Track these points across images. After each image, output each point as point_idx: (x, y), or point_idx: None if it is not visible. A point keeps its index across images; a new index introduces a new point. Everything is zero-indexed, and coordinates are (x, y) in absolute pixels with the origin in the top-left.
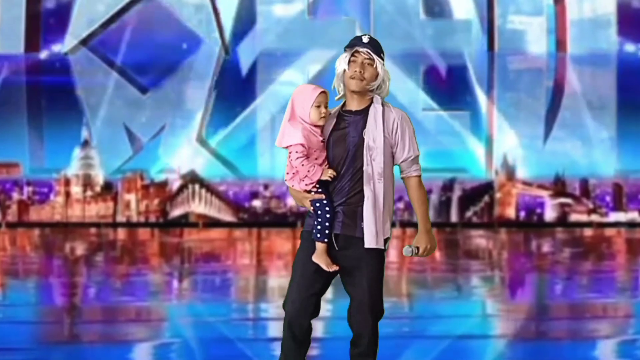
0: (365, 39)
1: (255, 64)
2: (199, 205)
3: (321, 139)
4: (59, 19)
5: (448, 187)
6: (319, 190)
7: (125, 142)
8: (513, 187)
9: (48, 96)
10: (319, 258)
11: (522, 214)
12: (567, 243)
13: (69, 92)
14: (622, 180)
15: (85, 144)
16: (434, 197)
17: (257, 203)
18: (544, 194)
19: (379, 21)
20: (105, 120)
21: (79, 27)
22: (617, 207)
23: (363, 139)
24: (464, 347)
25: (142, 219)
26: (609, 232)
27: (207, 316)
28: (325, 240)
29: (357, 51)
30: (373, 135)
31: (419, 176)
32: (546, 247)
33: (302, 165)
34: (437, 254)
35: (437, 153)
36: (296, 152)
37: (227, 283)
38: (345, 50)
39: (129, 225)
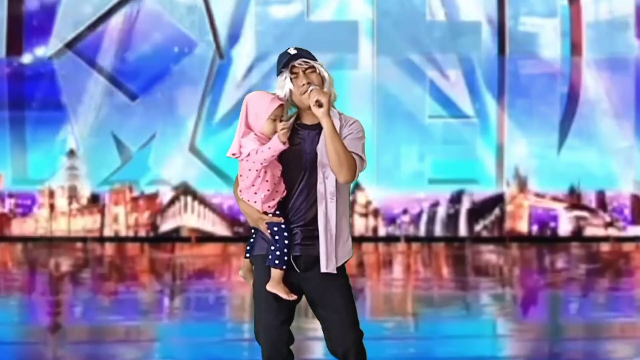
0: (292, 51)
1: (252, 69)
2: (192, 219)
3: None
4: (43, 21)
5: (456, 199)
6: (277, 212)
7: (113, 151)
8: (525, 199)
9: (31, 102)
10: (276, 287)
11: (535, 227)
12: (583, 258)
13: (54, 98)
14: None
15: (71, 153)
16: (441, 210)
17: None
18: (558, 206)
19: (382, 23)
20: (92, 128)
21: (64, 29)
22: (636, 220)
23: (317, 155)
24: None
25: (131, 233)
26: (627, 246)
27: (199, 336)
28: (284, 267)
29: (293, 66)
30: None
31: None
32: (560, 263)
33: (256, 153)
34: (445, 271)
35: (445, 163)
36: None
37: (222, 301)
38: (280, 74)
39: (117, 239)
